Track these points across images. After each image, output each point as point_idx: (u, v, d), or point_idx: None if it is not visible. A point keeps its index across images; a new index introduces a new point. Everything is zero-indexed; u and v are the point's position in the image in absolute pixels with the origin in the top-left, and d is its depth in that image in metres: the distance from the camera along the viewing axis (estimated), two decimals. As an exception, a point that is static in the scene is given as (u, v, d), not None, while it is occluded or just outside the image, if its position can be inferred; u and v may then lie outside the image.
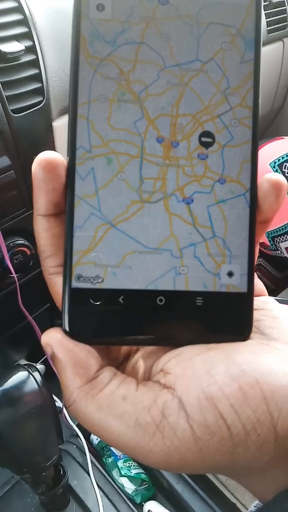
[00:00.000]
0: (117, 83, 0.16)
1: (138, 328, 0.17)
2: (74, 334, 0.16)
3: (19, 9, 0.52)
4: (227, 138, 0.17)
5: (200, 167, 0.17)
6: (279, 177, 0.18)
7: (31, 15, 0.53)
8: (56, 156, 0.16)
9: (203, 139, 0.17)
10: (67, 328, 0.16)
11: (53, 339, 0.17)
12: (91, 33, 0.16)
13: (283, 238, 0.85)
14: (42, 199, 0.17)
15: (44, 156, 0.16)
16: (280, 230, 0.84)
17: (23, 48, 0.50)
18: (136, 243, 0.17)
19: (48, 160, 0.16)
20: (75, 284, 0.16)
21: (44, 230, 0.17)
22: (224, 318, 0.17)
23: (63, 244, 0.17)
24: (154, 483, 0.70)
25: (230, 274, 0.17)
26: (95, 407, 0.16)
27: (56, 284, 0.18)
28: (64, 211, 0.17)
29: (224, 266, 0.17)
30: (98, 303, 0.17)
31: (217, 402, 0.15)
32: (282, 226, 0.83)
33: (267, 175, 0.18)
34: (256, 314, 0.18)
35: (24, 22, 0.52)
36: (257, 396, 0.15)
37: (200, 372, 0.16)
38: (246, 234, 0.17)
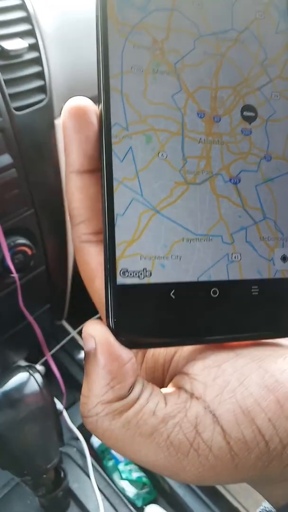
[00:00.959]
0: (151, 53, 0.15)
1: (191, 326, 0.15)
2: (122, 338, 0.15)
3: (22, 6, 0.52)
4: (269, 112, 0.16)
5: (245, 143, 0.16)
6: None
7: (34, 13, 0.52)
8: (86, 101, 0.15)
9: (245, 113, 0.16)
10: (118, 336, 0.15)
11: (99, 335, 0.15)
12: None
13: None
14: (75, 152, 0.15)
15: (73, 103, 0.15)
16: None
17: (27, 45, 0.50)
18: (183, 230, 0.15)
19: (78, 107, 0.15)
20: (120, 280, 0.15)
21: (78, 190, 0.15)
22: (281, 308, 0.16)
23: (99, 208, 0.15)
24: (156, 487, 0.69)
25: (284, 258, 0.16)
26: (121, 425, 0.14)
27: (88, 253, 0.16)
28: (101, 178, 0.15)
29: (277, 250, 0.16)
30: (148, 300, 0.15)
31: (255, 416, 0.14)
32: None
33: None
34: None
35: (27, 19, 0.52)
36: None
37: (233, 383, 0.15)
38: None
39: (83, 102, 0.15)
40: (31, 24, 0.52)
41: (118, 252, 0.15)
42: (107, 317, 0.15)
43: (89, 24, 0.57)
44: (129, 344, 0.15)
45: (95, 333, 0.15)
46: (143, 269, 0.15)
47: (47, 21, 0.53)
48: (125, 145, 0.15)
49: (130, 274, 0.15)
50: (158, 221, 0.15)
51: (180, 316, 0.15)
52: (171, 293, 0.15)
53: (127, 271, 0.15)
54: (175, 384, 0.16)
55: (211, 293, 0.15)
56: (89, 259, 0.16)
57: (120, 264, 0.15)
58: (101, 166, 0.15)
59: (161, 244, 0.15)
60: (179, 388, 0.15)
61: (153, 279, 0.15)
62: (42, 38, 0.52)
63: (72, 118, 0.15)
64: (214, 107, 0.16)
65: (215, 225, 0.16)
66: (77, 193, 0.16)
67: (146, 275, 0.15)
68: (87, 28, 0.57)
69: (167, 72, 0.15)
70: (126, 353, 0.15)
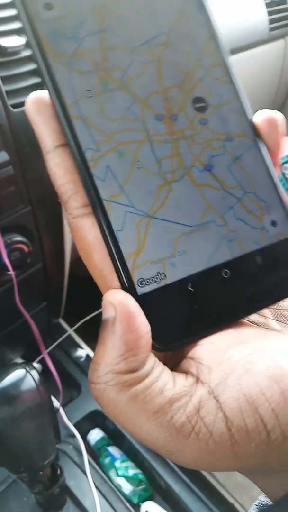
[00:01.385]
0: (95, 75, 0.16)
1: (216, 311, 0.16)
2: (159, 345, 0.15)
3: (17, 17, 0.52)
4: (216, 98, 0.18)
5: (206, 132, 0.17)
6: (268, 112, 0.18)
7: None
8: (41, 92, 0.16)
9: (197, 105, 0.17)
10: (154, 342, 0.15)
11: (120, 304, 0.15)
12: (49, 33, 0.16)
13: None
14: (44, 132, 0.16)
15: (32, 95, 0.16)
16: None
17: (23, 42, 0.50)
18: (180, 226, 0.16)
19: (36, 96, 0.16)
20: (140, 290, 0.15)
21: (57, 166, 0.16)
22: (285, 267, 0.18)
23: (79, 179, 0.16)
24: (152, 484, 0.69)
25: (273, 223, 0.18)
26: (128, 397, 0.14)
27: (82, 227, 0.16)
28: (83, 182, 0.16)
29: (265, 217, 0.18)
30: (170, 300, 0.16)
31: (258, 405, 0.14)
32: None
33: (257, 115, 0.18)
34: None
35: (22, 30, 0.51)
36: None
37: (239, 370, 0.15)
38: (270, 180, 0.18)
39: (40, 92, 0.16)
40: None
41: (129, 265, 0.15)
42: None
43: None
44: (167, 347, 0.15)
45: (116, 302, 0.15)
46: (157, 273, 0.16)
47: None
48: (102, 165, 0.16)
49: (147, 281, 0.15)
50: (155, 225, 0.16)
51: (203, 305, 0.16)
52: (188, 287, 0.16)
53: (143, 280, 0.15)
54: (181, 368, 0.16)
55: (223, 275, 0.17)
56: (84, 233, 0.16)
57: (136, 276, 0.15)
58: (87, 192, 0.16)
59: (165, 245, 0.16)
60: (186, 372, 0.15)
61: (169, 279, 0.16)
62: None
63: (34, 104, 0.16)
64: (169, 108, 0.17)
65: (205, 213, 0.17)
66: (57, 170, 0.16)
67: (161, 278, 0.16)
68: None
69: (116, 89, 0.16)
70: (144, 326, 0.15)
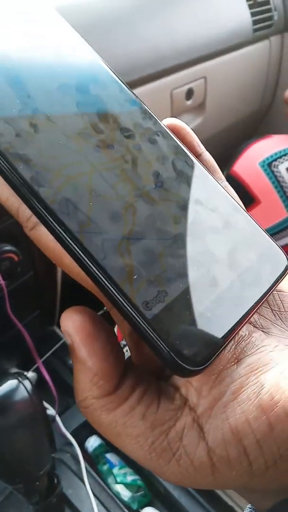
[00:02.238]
0: (22, 119, 0.16)
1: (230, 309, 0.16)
2: (191, 366, 0.14)
3: None
4: (139, 125, 0.18)
5: (142, 155, 0.17)
6: (168, 120, 0.19)
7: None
8: None
9: (125, 133, 0.18)
10: (184, 365, 0.14)
11: (74, 328, 0.14)
12: None
13: (279, 236, 0.85)
14: None
15: None
16: (271, 229, 0.84)
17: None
18: (158, 240, 0.16)
19: None
20: (149, 314, 0.14)
21: None
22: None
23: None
24: (151, 490, 0.69)
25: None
26: (109, 422, 0.14)
27: (40, 236, 0.15)
28: (47, 223, 0.15)
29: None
30: (182, 315, 0.15)
31: (243, 437, 0.14)
32: (273, 225, 0.83)
33: (165, 122, 0.19)
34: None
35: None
36: (285, 431, 0.13)
37: (227, 396, 0.14)
38: (208, 179, 0.19)
39: None
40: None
41: (129, 293, 0.14)
42: (165, 359, 0.14)
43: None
44: (200, 368, 0.14)
45: (69, 327, 0.14)
46: (158, 292, 0.15)
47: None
48: (60, 200, 0.15)
49: (152, 303, 0.14)
50: (135, 244, 0.15)
51: (213, 305, 0.15)
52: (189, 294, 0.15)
53: (147, 302, 0.14)
54: (172, 383, 0.15)
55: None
56: (46, 241, 0.16)
57: (138, 300, 0.14)
58: (56, 231, 0.15)
59: (153, 262, 0.15)
60: (176, 388, 0.15)
61: (171, 295, 0.15)
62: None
63: None
64: (102, 139, 0.17)
65: (175, 224, 0.16)
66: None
67: (164, 295, 0.15)
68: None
69: (46, 130, 0.16)
70: (107, 346, 0.14)
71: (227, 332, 0.15)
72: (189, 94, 0.76)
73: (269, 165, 0.83)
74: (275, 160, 0.84)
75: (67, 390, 0.77)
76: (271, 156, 0.84)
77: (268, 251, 0.18)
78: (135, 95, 0.19)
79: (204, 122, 0.82)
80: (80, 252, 0.14)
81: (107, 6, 0.62)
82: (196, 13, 0.74)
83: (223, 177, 0.20)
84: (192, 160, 0.19)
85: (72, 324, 0.14)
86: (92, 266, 0.14)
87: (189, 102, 0.77)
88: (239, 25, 0.81)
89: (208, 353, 0.14)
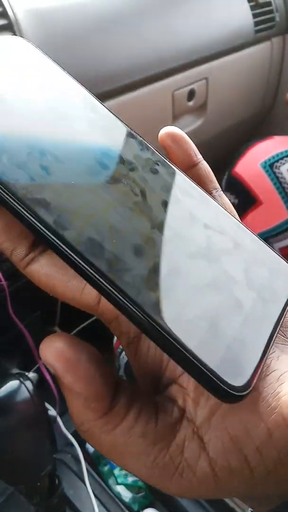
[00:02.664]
0: (30, 164, 0.16)
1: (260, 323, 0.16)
2: (240, 389, 0.13)
3: (3, 14, 0.52)
4: (139, 158, 0.18)
5: (151, 185, 0.17)
6: (167, 129, 0.20)
7: (16, 20, 0.52)
8: None
9: (128, 167, 0.18)
10: (234, 392, 0.13)
11: (56, 357, 0.14)
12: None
13: (276, 239, 0.85)
14: None
15: None
16: (272, 230, 0.84)
17: None
18: (182, 269, 0.15)
19: None
20: (192, 344, 0.14)
21: None
22: None
23: (18, 228, 0.15)
24: (151, 491, 0.69)
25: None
26: (109, 442, 0.14)
27: (32, 272, 0.16)
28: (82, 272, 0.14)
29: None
30: (219, 340, 0.14)
31: (243, 446, 0.14)
32: (275, 226, 0.83)
33: (160, 134, 0.20)
34: None
35: (9, 26, 0.52)
36: (284, 437, 0.14)
37: (225, 405, 0.14)
38: (204, 194, 0.19)
39: None
40: (13, 31, 0.52)
41: (169, 327, 0.14)
42: (214, 390, 0.13)
43: (74, 32, 0.58)
44: (249, 385, 0.14)
45: (49, 357, 0.14)
46: (193, 321, 0.14)
47: (28, 28, 0.53)
48: (86, 240, 0.15)
49: (191, 333, 0.14)
50: (162, 276, 0.15)
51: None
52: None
53: (187, 333, 0.14)
54: (170, 394, 0.15)
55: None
56: (39, 276, 0.16)
57: (179, 333, 0.14)
58: (87, 272, 0.14)
59: (180, 291, 0.15)
60: (173, 400, 0.15)
61: (205, 321, 0.15)
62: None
63: None
64: (110, 176, 0.17)
65: (195, 249, 0.16)
66: None
67: (199, 323, 0.14)
68: (71, 36, 0.57)
69: (56, 171, 0.16)
70: (90, 368, 0.14)
71: (263, 351, 0.15)
72: (191, 95, 0.76)
73: (271, 166, 0.83)
74: (277, 161, 0.84)
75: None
76: (273, 157, 0.84)
77: (276, 266, 0.18)
78: (127, 125, 0.19)
79: (206, 123, 0.82)
80: (114, 291, 0.14)
81: (109, 7, 0.62)
82: (198, 15, 0.74)
83: (218, 186, 0.20)
84: (192, 184, 0.19)
85: (51, 354, 0.14)
86: (128, 304, 0.14)
87: (190, 103, 0.77)
88: (241, 26, 0.81)
89: (251, 375, 0.14)
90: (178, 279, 0.15)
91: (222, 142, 0.92)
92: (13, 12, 0.52)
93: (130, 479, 0.69)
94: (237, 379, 0.14)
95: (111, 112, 0.19)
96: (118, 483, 0.68)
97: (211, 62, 0.77)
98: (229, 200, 0.23)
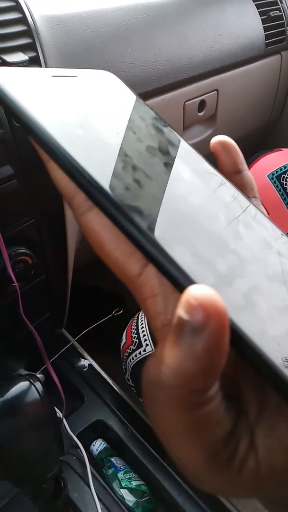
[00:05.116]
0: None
1: None
2: None
3: (23, 20, 0.53)
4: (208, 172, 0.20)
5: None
6: (219, 137, 0.21)
7: (35, 26, 0.54)
8: None
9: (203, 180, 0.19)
10: None
11: (217, 309, 0.11)
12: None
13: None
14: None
15: None
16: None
17: (27, 58, 0.51)
18: (265, 294, 0.16)
19: None
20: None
21: (57, 170, 0.16)
22: None
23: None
24: (155, 495, 0.69)
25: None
26: (189, 422, 0.13)
27: (86, 222, 0.15)
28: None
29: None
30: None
31: None
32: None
33: (212, 141, 0.21)
34: None
35: (28, 33, 0.53)
36: None
37: (273, 405, 0.15)
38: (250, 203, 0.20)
39: None
40: (32, 37, 0.53)
41: (272, 356, 0.13)
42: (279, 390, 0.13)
43: (90, 40, 0.59)
44: None
45: (211, 307, 0.11)
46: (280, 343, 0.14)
47: (47, 34, 0.55)
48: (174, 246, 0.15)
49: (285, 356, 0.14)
50: (251, 293, 0.15)
51: None
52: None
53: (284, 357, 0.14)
54: (230, 389, 0.15)
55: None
56: (92, 226, 0.15)
57: (277, 359, 0.14)
58: (174, 277, 0.14)
59: (269, 315, 0.15)
60: (235, 396, 0.15)
61: None
62: (43, 51, 0.54)
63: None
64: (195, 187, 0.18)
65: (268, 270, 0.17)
66: (58, 174, 0.16)
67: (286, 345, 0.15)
68: (88, 44, 0.58)
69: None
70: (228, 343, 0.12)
71: None
72: (201, 106, 0.77)
73: (278, 178, 0.84)
74: (284, 173, 0.85)
75: (74, 393, 0.77)
76: (280, 169, 0.85)
77: None
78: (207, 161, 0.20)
79: (215, 133, 0.84)
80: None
81: (124, 18, 0.64)
82: (211, 27, 0.75)
83: (258, 196, 0.21)
84: (249, 201, 0.20)
85: (212, 301, 0.12)
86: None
87: (201, 114, 0.78)
88: (253, 39, 0.83)
89: None
90: (259, 297, 0.15)
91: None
92: (32, 18, 0.54)
93: (134, 483, 0.69)
94: None
95: (189, 145, 0.20)
96: (122, 487, 0.68)
97: (222, 74, 0.79)
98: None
